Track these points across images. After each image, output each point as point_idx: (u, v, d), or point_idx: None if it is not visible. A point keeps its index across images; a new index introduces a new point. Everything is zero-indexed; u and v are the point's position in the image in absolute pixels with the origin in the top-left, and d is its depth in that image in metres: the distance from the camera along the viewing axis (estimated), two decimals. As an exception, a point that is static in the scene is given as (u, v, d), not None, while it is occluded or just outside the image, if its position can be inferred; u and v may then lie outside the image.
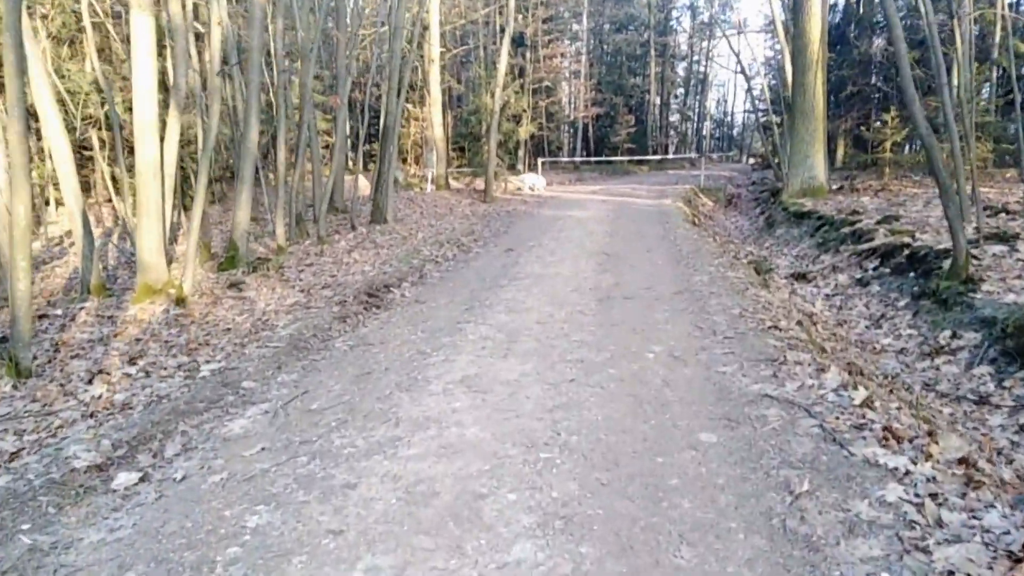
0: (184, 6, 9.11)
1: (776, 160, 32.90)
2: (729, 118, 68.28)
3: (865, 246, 8.55)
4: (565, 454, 3.14)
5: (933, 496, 2.55)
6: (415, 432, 3.45)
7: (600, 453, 3.13)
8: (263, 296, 7.17)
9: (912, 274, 7.31)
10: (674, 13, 51.17)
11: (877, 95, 19.11)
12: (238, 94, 12.46)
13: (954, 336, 5.70)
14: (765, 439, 3.18)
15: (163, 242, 7.25)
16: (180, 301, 6.86)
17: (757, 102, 30.05)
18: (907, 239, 8.15)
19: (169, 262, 8.44)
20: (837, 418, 3.31)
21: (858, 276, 8.18)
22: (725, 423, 3.39)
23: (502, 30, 18.09)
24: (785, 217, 12.39)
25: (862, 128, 12.36)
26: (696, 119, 59.04)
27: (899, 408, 3.58)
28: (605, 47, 46.70)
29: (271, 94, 13.35)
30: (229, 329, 5.99)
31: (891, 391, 4.74)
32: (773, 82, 27.34)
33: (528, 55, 32.06)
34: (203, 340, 5.61)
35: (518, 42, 33.44)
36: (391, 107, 12.59)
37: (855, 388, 3.59)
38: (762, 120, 33.13)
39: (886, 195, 11.96)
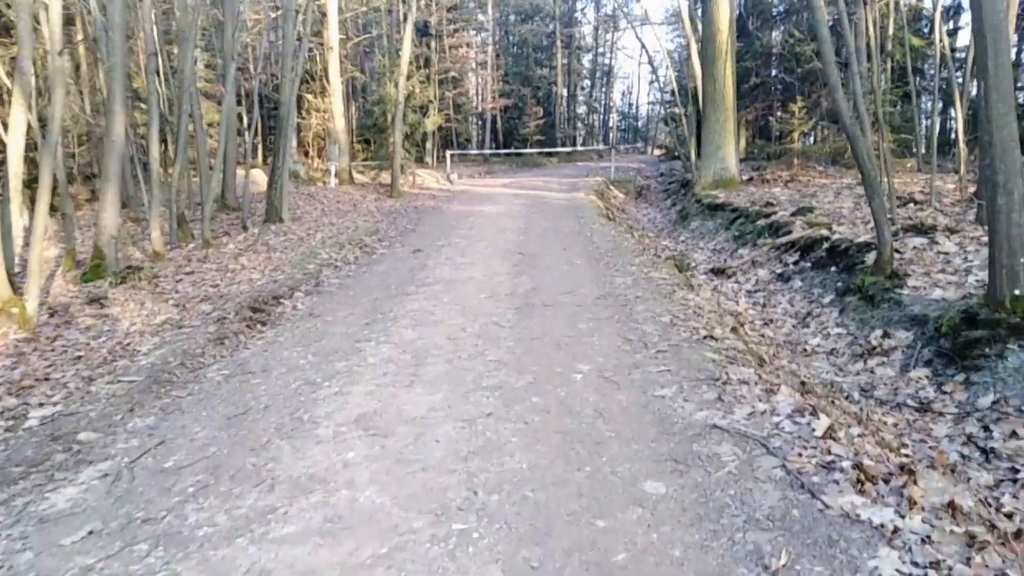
0: (29, -24, 7.87)
1: (683, 151, 33.41)
2: (634, 110, 69.53)
3: (784, 240, 8.35)
4: (484, 523, 2.51)
5: (935, 565, 2.08)
6: (294, 499, 2.74)
7: (527, 519, 2.52)
8: (129, 313, 6.17)
9: (834, 268, 7.11)
10: (579, 4, 51.39)
11: (779, 87, 19.45)
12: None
13: (885, 336, 5.45)
14: (722, 487, 2.66)
15: None
16: (24, 322, 5.79)
17: (663, 93, 30.38)
18: (825, 232, 8.00)
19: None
20: (800, 455, 2.83)
21: (779, 271, 7.96)
22: (672, 466, 2.86)
23: (405, 18, 17.22)
24: (699, 209, 12.23)
25: (770, 119, 12.36)
26: (603, 111, 59.73)
27: (862, 436, 3.14)
28: (511, 38, 46.30)
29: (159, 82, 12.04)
30: (80, 357, 5.01)
31: (834, 402, 4.39)
32: (677, 73, 27.63)
33: (433, 45, 31.17)
34: (43, 374, 4.63)
35: (423, 31, 32.47)
36: (285, 96, 11.57)
37: (814, 415, 3.14)
38: (668, 111, 33.55)
39: (796, 186, 11.98)
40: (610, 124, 63.38)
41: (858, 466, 2.68)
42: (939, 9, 9.15)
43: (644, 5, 55.14)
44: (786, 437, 3.01)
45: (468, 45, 34.21)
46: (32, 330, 5.75)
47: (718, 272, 8.65)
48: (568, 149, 37.05)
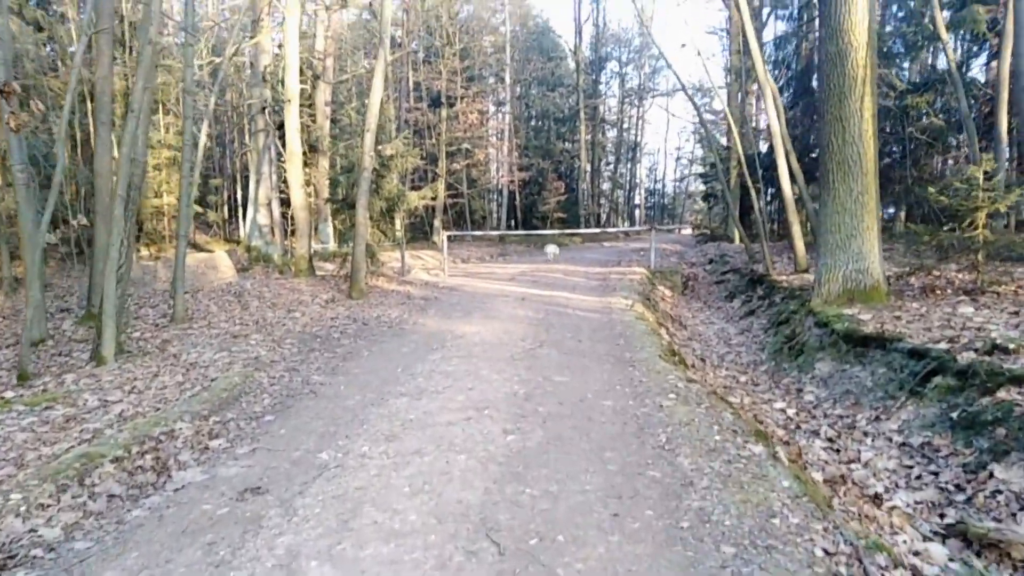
0: None
1: (715, 229, 28.50)
2: (661, 186, 65.70)
3: None
4: None
5: None
6: None
7: None
8: None
9: None
10: (603, 76, 48.24)
11: (901, 146, 14.53)
12: None
13: None
14: None
15: None
16: None
17: (706, 164, 26.07)
18: None
19: None
20: None
21: None
22: None
23: (377, 57, 12.90)
24: (826, 339, 7.17)
25: (930, 189, 7.50)
26: (628, 187, 55.83)
27: None
28: (532, 110, 42.88)
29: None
30: None
31: None
32: (723, 145, 23.11)
33: (443, 113, 27.40)
34: None
35: (435, 102, 28.83)
36: (100, 149, 6.92)
37: None
38: (709, 186, 29.03)
39: (995, 300, 6.92)
40: (636, 201, 59.43)
41: None
42: None
43: (671, 80, 51.48)
44: None
45: (480, 112, 30.28)
46: None
47: (982, 545, 3.55)
48: (595, 230, 32.45)
